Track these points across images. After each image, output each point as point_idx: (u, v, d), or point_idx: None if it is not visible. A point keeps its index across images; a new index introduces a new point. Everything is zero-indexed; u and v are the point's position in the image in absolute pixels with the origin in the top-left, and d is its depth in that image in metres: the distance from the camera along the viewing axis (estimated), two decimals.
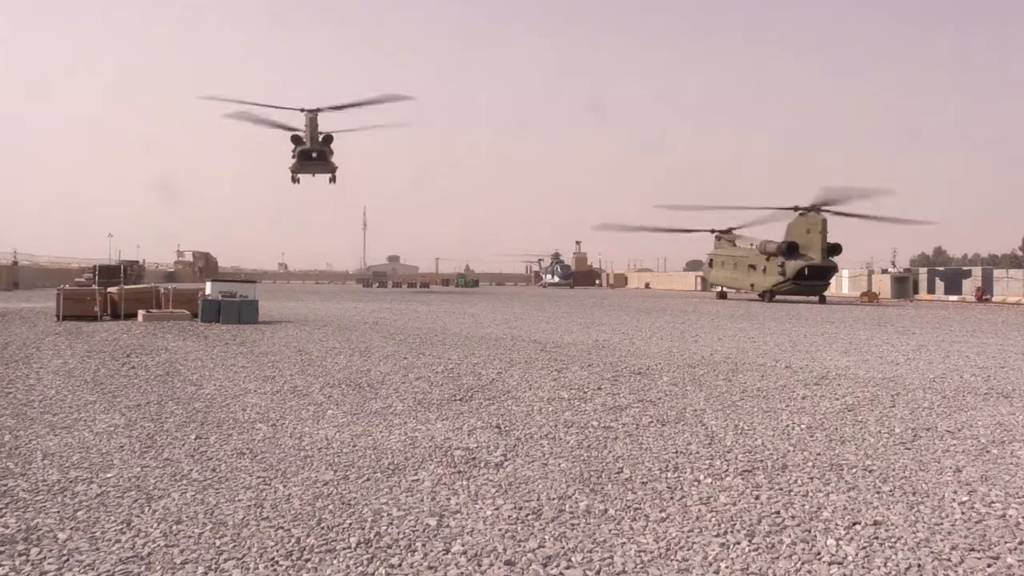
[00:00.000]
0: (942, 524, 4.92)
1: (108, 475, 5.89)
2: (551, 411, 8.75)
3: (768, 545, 4.54)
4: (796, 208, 47.60)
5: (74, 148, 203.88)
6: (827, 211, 46.23)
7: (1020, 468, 6.33)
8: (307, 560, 4.27)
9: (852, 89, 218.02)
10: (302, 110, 51.94)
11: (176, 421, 8.05)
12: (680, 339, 18.46)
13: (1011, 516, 5.08)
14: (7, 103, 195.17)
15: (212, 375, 11.47)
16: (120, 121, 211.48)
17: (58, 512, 5.01)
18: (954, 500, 5.42)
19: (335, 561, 4.26)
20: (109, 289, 24.72)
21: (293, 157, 53.34)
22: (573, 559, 4.31)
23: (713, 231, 56.12)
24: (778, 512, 5.13)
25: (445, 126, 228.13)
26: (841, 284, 61.68)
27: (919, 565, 4.25)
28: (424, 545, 4.50)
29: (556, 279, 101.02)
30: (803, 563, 4.28)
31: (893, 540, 4.62)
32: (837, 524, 4.90)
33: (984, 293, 53.04)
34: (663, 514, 5.08)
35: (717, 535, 4.70)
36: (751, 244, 52.16)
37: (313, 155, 52.70)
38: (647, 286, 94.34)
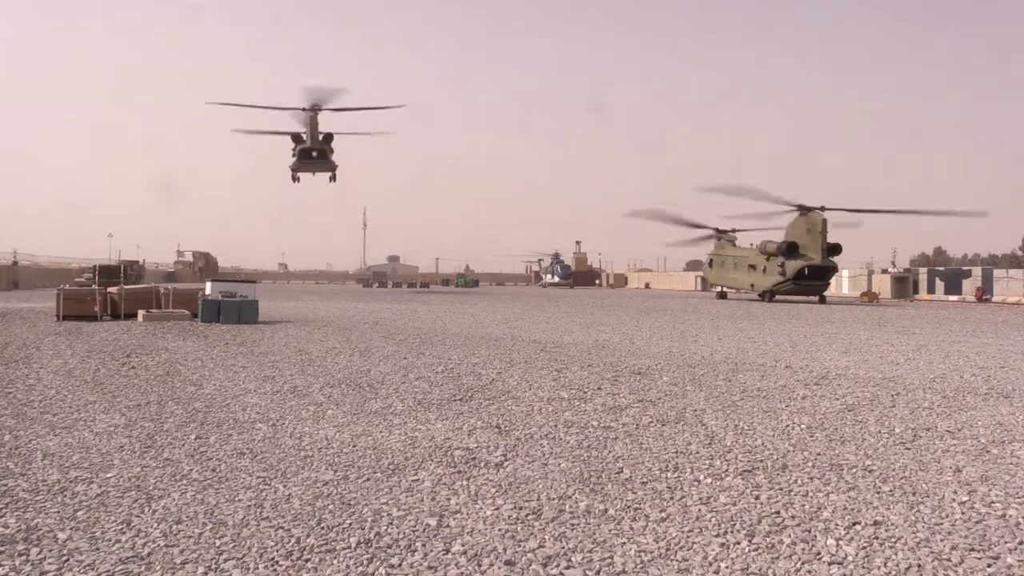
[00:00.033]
0: (942, 524, 4.92)
1: (108, 475, 5.89)
2: (551, 411, 8.75)
3: (768, 545, 4.54)
4: (797, 208, 47.61)
5: (74, 148, 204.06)
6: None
7: (1020, 468, 6.33)
8: (307, 560, 4.27)
9: (852, 89, 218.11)
10: (303, 109, 51.99)
11: (176, 421, 8.05)
12: (680, 339, 18.46)
13: (1011, 516, 5.08)
14: (7, 103, 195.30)
15: (212, 375, 11.47)
16: (120, 121, 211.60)
17: (58, 512, 5.01)
18: (954, 500, 5.42)
19: (335, 561, 4.26)
20: (109, 289, 24.73)
21: (293, 156, 53.40)
22: (573, 559, 4.31)
23: (714, 231, 56.13)
24: (778, 512, 5.13)
25: (445, 126, 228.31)
26: (841, 284, 61.68)
27: (919, 565, 4.25)
28: (424, 545, 4.50)
29: (556, 279, 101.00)
30: (803, 563, 4.28)
31: (893, 540, 4.62)
32: (837, 524, 4.90)
33: (984, 293, 53.04)
34: (663, 514, 5.08)
35: (717, 535, 4.70)
36: (751, 244, 52.24)
37: (313, 154, 52.75)
38: (647, 286, 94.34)
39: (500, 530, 4.75)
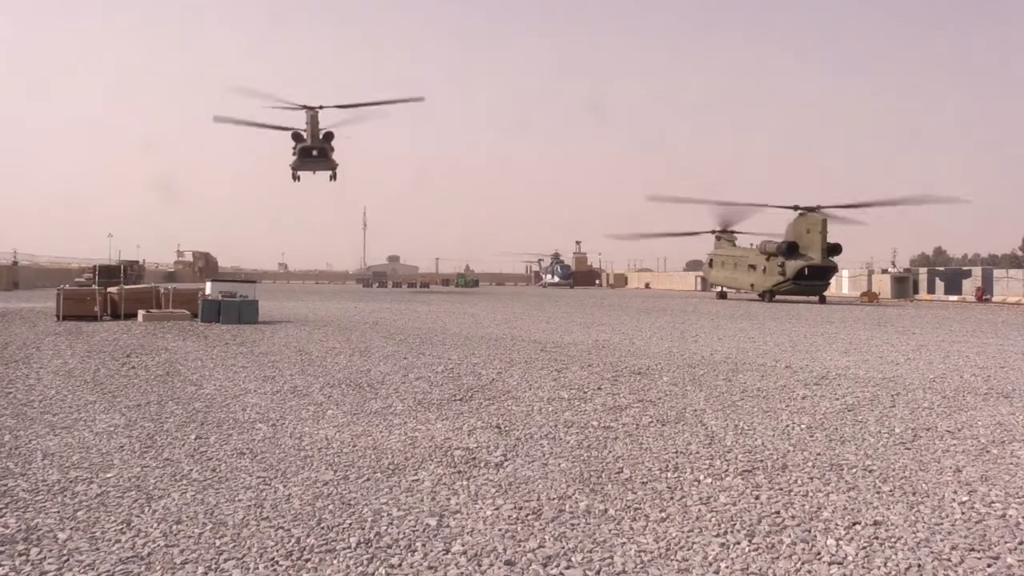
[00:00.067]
0: (942, 524, 4.92)
1: (108, 475, 5.89)
2: (551, 411, 8.75)
3: (768, 545, 4.54)
4: (796, 208, 47.63)
5: (74, 148, 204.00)
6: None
7: (1020, 468, 6.33)
8: (307, 560, 4.27)
9: (852, 89, 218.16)
10: (304, 107, 51.98)
11: (176, 421, 8.05)
12: (680, 339, 18.46)
13: (1011, 516, 5.08)
14: (7, 103, 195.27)
15: (212, 375, 11.48)
16: (120, 121, 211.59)
17: (58, 512, 5.01)
18: (954, 500, 5.42)
19: (335, 561, 4.26)
20: (109, 289, 24.73)
21: (294, 154, 53.38)
22: (573, 559, 4.31)
23: (714, 231, 56.14)
24: (778, 512, 5.13)
25: (445, 126, 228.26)
26: (841, 284, 61.69)
27: (919, 565, 4.25)
28: (424, 545, 4.50)
29: (556, 279, 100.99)
30: (803, 563, 4.28)
31: (893, 540, 4.62)
32: (837, 524, 4.90)
33: (984, 293, 53.05)
34: (663, 514, 5.08)
35: (717, 535, 4.70)
36: (751, 244, 52.23)
37: (314, 152, 52.73)
38: (647, 286, 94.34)
39: (500, 530, 4.75)
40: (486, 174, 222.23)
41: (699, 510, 5.17)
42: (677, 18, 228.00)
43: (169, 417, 8.26)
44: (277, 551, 4.38)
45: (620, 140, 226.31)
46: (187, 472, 6.01)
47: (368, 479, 5.87)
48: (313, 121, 52.21)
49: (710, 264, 56.59)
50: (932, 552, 4.44)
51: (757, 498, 5.44)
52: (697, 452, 6.81)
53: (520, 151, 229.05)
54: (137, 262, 77.13)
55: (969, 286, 54.96)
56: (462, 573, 4.11)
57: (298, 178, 54.97)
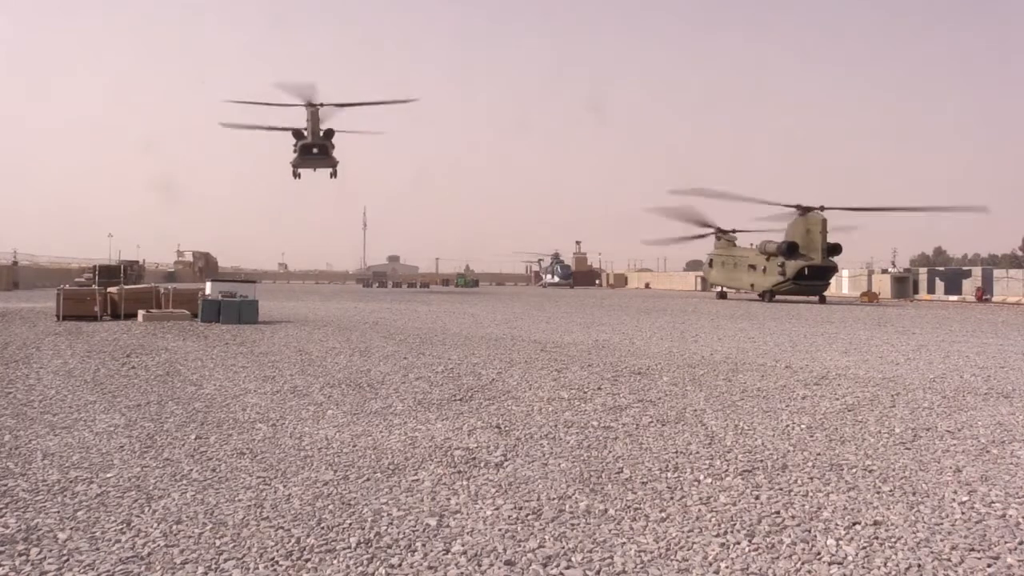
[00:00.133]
0: (942, 524, 4.92)
1: (108, 475, 5.89)
2: (551, 411, 8.75)
3: (768, 545, 4.54)
4: (797, 207, 47.62)
5: (74, 148, 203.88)
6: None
7: (1020, 468, 6.33)
8: (307, 560, 4.27)
9: (852, 89, 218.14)
10: (305, 105, 52.00)
11: (176, 421, 8.05)
12: (680, 339, 18.46)
13: (1011, 516, 5.08)
14: (7, 103, 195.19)
15: (212, 375, 11.48)
16: (120, 121, 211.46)
17: (58, 512, 5.01)
18: (954, 500, 5.42)
19: (335, 561, 4.26)
20: (109, 289, 24.73)
21: (294, 151, 53.39)
22: (573, 559, 4.31)
23: (714, 231, 56.13)
24: (778, 512, 5.13)
25: (445, 126, 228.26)
26: (841, 284, 61.69)
27: (919, 565, 4.25)
28: (424, 545, 4.50)
29: (556, 279, 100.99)
30: (803, 563, 4.28)
31: (893, 540, 4.62)
32: (837, 524, 4.90)
33: (984, 293, 53.05)
34: (663, 514, 5.08)
35: (717, 535, 4.70)
36: (751, 244, 52.24)
37: (314, 150, 52.75)
38: (647, 286, 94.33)
39: (500, 530, 4.75)
40: (486, 174, 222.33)
41: (699, 510, 5.18)
42: (677, 18, 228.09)
43: (169, 417, 8.26)
44: (277, 551, 4.38)
45: (620, 140, 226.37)
46: (187, 472, 6.01)
47: (368, 479, 5.87)
48: (314, 118, 52.23)
49: (710, 264, 56.58)
50: (932, 552, 4.44)
51: (757, 498, 5.44)
52: (697, 452, 6.81)
53: (520, 151, 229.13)
54: (137, 262, 77.14)
55: (969, 286, 54.96)
56: (462, 573, 4.11)
57: (299, 175, 55.00)
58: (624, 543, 4.56)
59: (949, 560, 4.33)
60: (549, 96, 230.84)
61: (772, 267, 47.02)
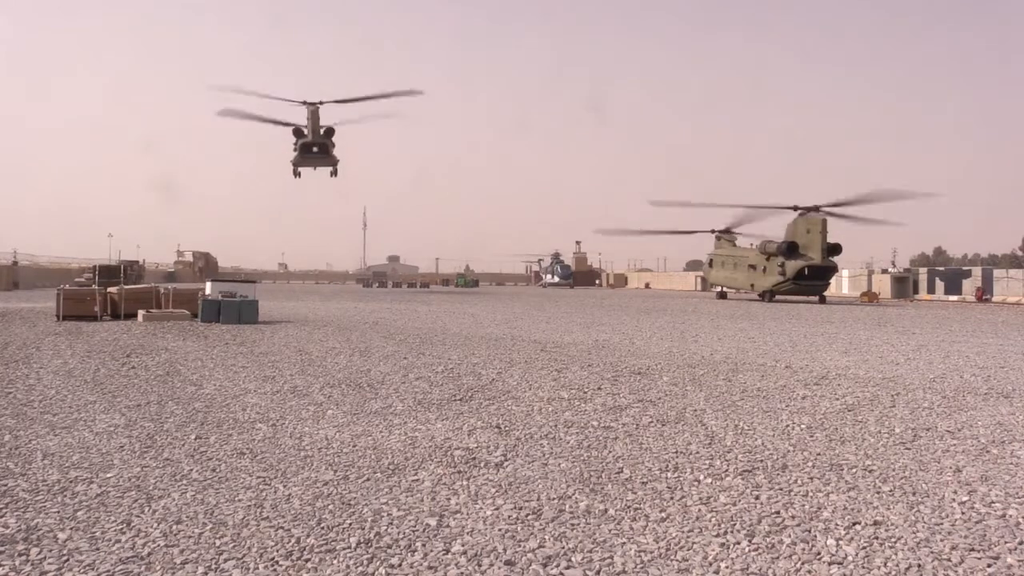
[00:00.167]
0: (942, 524, 4.92)
1: (108, 475, 5.89)
2: (551, 411, 8.75)
3: (768, 545, 4.54)
4: (796, 208, 47.62)
5: (74, 148, 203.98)
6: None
7: (1020, 468, 6.33)
8: (307, 560, 4.27)
9: (852, 89, 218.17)
10: (304, 103, 51.98)
11: (176, 421, 8.05)
12: (680, 339, 18.46)
13: (1011, 516, 5.08)
14: (7, 103, 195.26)
15: (212, 375, 11.48)
16: (120, 121, 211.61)
17: (58, 512, 5.01)
18: (954, 500, 5.42)
19: (335, 561, 4.26)
20: (109, 289, 24.72)
21: (295, 150, 53.36)
22: (573, 559, 4.31)
23: (713, 231, 56.15)
24: (778, 512, 5.13)
25: (445, 126, 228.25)
26: (841, 284, 61.69)
27: (919, 565, 4.25)
28: (424, 545, 4.50)
29: (556, 279, 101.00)
30: (803, 563, 4.28)
31: (893, 540, 4.62)
32: (837, 524, 4.90)
33: (984, 293, 53.05)
34: (663, 514, 5.08)
35: (717, 535, 4.70)
36: (751, 244, 52.23)
37: (314, 148, 52.71)
38: (647, 286, 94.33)
39: (500, 530, 4.75)
40: (486, 174, 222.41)
41: (699, 510, 5.18)
42: (677, 18, 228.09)
43: (169, 417, 8.26)
44: (277, 551, 4.38)
45: (620, 140, 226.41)
46: (187, 472, 6.01)
47: (368, 479, 5.87)
48: (314, 116, 52.20)
49: (710, 264, 56.60)
50: (932, 552, 4.44)
51: (757, 498, 5.44)
52: (697, 452, 6.81)
53: (520, 151, 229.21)
54: (137, 262, 77.14)
55: (969, 286, 54.96)
56: (462, 573, 4.11)
57: (299, 174, 54.98)
58: (624, 543, 4.56)
59: (949, 560, 4.33)
60: (549, 96, 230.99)
61: (772, 267, 47.02)
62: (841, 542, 4.59)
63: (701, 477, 6.00)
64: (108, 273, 48.27)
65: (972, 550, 4.47)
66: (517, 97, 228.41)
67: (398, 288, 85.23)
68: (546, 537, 4.64)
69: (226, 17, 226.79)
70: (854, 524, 4.90)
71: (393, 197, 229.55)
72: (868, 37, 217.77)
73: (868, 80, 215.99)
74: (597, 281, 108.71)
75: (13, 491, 5.47)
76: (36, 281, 62.15)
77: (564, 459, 6.52)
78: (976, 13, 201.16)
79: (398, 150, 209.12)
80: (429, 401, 9.33)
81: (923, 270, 62.41)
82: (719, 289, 54.82)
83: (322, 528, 4.77)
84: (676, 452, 6.80)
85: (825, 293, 47.74)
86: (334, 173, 54.96)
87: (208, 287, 24.67)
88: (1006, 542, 4.60)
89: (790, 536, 4.69)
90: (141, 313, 22.27)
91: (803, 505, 5.29)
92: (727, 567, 4.21)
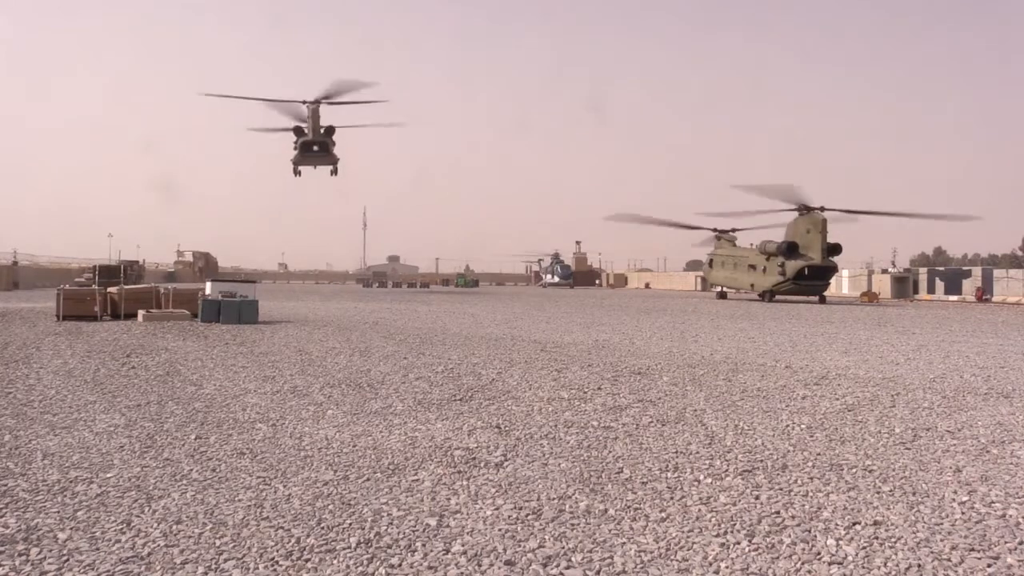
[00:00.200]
0: (942, 524, 4.92)
1: (108, 475, 5.89)
2: (551, 411, 8.75)
3: (768, 545, 4.54)
4: (796, 208, 47.63)
5: (74, 148, 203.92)
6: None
7: (1020, 468, 6.33)
8: (307, 560, 4.27)
9: (852, 89, 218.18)
10: (304, 102, 52.01)
11: (176, 421, 8.05)
12: (680, 339, 18.46)
13: (1011, 516, 5.08)
14: (7, 103, 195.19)
15: (212, 375, 11.48)
16: (120, 121, 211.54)
17: (58, 512, 5.01)
18: (954, 500, 5.42)
19: (335, 561, 4.26)
20: (109, 289, 24.72)
21: (295, 148, 53.39)
22: (573, 559, 4.31)
23: (715, 230, 56.14)
24: (778, 512, 5.13)
25: (445, 126, 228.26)
26: (841, 284, 61.69)
27: (919, 565, 4.25)
28: (424, 545, 4.50)
29: (556, 279, 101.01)
30: (803, 563, 4.28)
31: (893, 540, 4.62)
32: (837, 524, 4.90)
33: (984, 293, 53.04)
34: (663, 514, 5.08)
35: (717, 535, 4.70)
36: (751, 244, 52.24)
37: (315, 147, 52.76)
38: (647, 286, 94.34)
39: (500, 530, 4.75)
40: (486, 174, 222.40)
41: (699, 510, 5.17)
42: (677, 18, 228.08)
43: (169, 417, 8.26)
44: (277, 551, 4.38)
45: (620, 140, 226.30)
46: (187, 472, 6.01)
47: (368, 479, 5.87)
48: (314, 115, 52.22)
49: (710, 264, 56.58)
50: (932, 552, 4.44)
51: (757, 498, 5.44)
52: (697, 452, 6.81)
53: (520, 151, 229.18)
54: (137, 262, 77.15)
55: (969, 286, 54.95)
56: (462, 573, 4.11)
57: (299, 173, 55.01)
58: (624, 543, 4.56)
59: (949, 560, 4.33)
60: (549, 96, 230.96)
61: (772, 267, 47.02)
62: (841, 542, 4.59)
63: (701, 477, 6.00)
64: (108, 273, 48.27)
65: (972, 550, 4.47)
66: (517, 97, 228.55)
67: (398, 288, 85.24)
68: (546, 537, 4.64)
69: (226, 17, 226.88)
70: (854, 524, 4.90)
71: (393, 197, 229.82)
72: (868, 37, 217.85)
73: (868, 80, 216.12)
74: (597, 281, 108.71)
75: (13, 491, 5.47)
76: (36, 281, 62.15)
77: (564, 459, 6.52)
78: (976, 13, 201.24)
79: (398, 150, 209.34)
80: (429, 401, 9.33)
81: (923, 270, 62.41)
82: (719, 289, 54.81)
83: (322, 528, 4.77)
84: (676, 452, 6.80)
85: (825, 293, 47.74)
86: (334, 172, 55.00)
87: (208, 287, 24.68)
88: (1006, 542, 4.60)
89: (790, 536, 4.69)
90: (141, 313, 22.28)
91: (803, 505, 5.29)
92: (727, 567, 4.21)
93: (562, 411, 8.74)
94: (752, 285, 49.56)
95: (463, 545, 4.50)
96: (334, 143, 53.40)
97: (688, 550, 4.46)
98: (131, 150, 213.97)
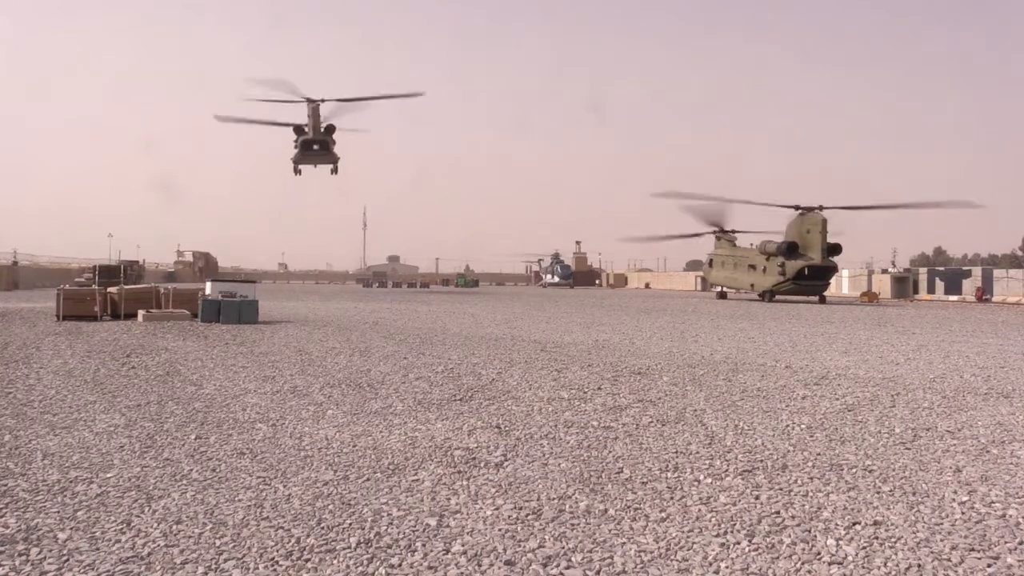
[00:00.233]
0: (942, 524, 4.92)
1: (108, 475, 5.89)
2: (551, 411, 8.75)
3: (768, 545, 4.54)
4: (797, 208, 47.63)
5: (74, 148, 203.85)
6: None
7: (1020, 468, 6.33)
8: (307, 560, 4.27)
9: (852, 89, 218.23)
10: (305, 100, 52.03)
11: (176, 421, 8.05)
12: (680, 339, 18.46)
13: (1011, 516, 5.08)
14: (7, 103, 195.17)
15: (212, 375, 11.47)
16: (120, 121, 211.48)
17: (58, 512, 5.01)
18: (954, 500, 5.42)
19: (335, 561, 4.26)
20: (109, 289, 24.72)
21: (295, 147, 53.40)
22: (573, 559, 4.31)
23: (716, 230, 56.13)
24: (778, 512, 5.13)
25: (445, 126, 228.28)
26: (841, 284, 61.69)
27: (919, 565, 4.25)
28: (424, 545, 4.50)
29: (556, 279, 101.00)
30: (803, 563, 4.28)
31: (893, 540, 4.62)
32: (837, 524, 4.90)
33: (984, 293, 53.05)
34: (663, 514, 5.08)
35: (717, 535, 4.70)
36: (751, 244, 52.24)
37: (315, 146, 52.79)
38: (647, 286, 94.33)
39: (500, 530, 4.75)
40: (486, 174, 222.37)
41: (699, 510, 5.18)
42: (677, 18, 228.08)
43: (169, 417, 8.26)
44: (277, 551, 4.38)
45: (620, 140, 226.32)
46: (187, 472, 6.01)
47: (368, 479, 5.87)
48: (315, 114, 52.25)
49: (710, 264, 56.59)
50: (932, 552, 4.44)
51: (757, 498, 5.44)
52: (697, 452, 6.81)
53: (520, 151, 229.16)
54: (137, 262, 77.15)
55: (969, 286, 54.96)
56: (462, 573, 4.11)
57: (299, 171, 55.03)
58: (624, 543, 4.56)
59: (949, 560, 4.33)
60: (549, 96, 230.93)
61: (772, 267, 47.03)
62: (841, 542, 4.59)
63: (701, 477, 6.00)
64: (108, 273, 48.28)
65: (972, 550, 4.47)
66: (517, 97, 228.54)
67: (398, 288, 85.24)
68: (546, 537, 4.64)
69: (226, 17, 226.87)
70: (854, 524, 4.90)
71: (393, 197, 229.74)
72: (868, 37, 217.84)
73: (868, 80, 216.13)
74: (597, 281, 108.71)
75: (13, 491, 5.47)
76: (36, 281, 62.14)
77: (564, 459, 6.52)
78: (976, 13, 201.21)
79: (398, 150, 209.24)
80: (429, 401, 9.33)
81: (923, 270, 62.41)
82: (719, 289, 54.82)
83: (322, 528, 4.77)
84: (676, 452, 6.80)
85: (825, 293, 47.75)
86: (334, 171, 55.01)
87: (208, 287, 24.67)
88: (1006, 542, 4.60)
89: (790, 536, 4.69)
90: (141, 313, 22.27)
91: (803, 505, 5.29)
92: (727, 567, 4.21)
93: (562, 411, 8.74)
94: (752, 285, 49.57)
95: (463, 545, 4.50)
96: (334, 142, 53.44)
97: (688, 550, 4.46)
98: (131, 150, 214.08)
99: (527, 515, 5.04)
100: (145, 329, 19.57)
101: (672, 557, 4.35)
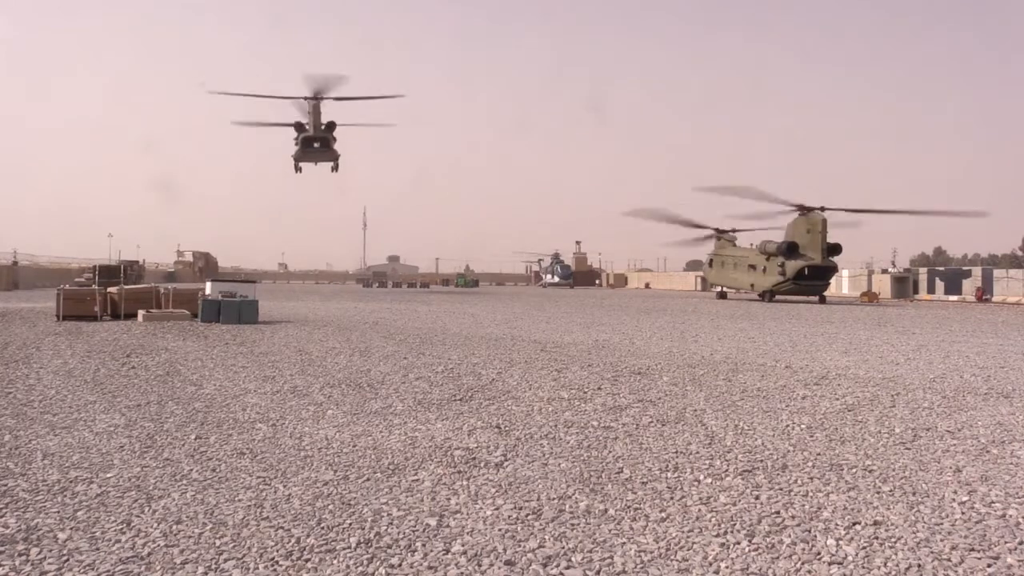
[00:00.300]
0: (942, 524, 4.92)
1: (108, 475, 5.89)
2: (551, 411, 8.75)
3: (768, 545, 4.54)
4: (798, 208, 47.62)
5: (74, 148, 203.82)
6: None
7: (1020, 468, 6.33)
8: (307, 560, 4.27)
9: (852, 89, 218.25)
10: (306, 98, 52.06)
11: (176, 421, 8.05)
12: (680, 339, 18.46)
13: (1011, 516, 5.08)
14: (7, 103, 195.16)
15: (212, 375, 11.47)
16: (120, 121, 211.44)
17: (58, 512, 5.01)
18: (954, 500, 5.42)
19: (335, 561, 4.26)
20: (109, 289, 24.72)
21: (296, 144, 53.40)
22: (573, 559, 4.31)
23: (716, 230, 56.15)
24: (778, 512, 5.13)
25: (445, 126, 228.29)
26: (841, 284, 61.69)
27: (919, 565, 4.25)
28: (424, 545, 4.50)
29: (556, 279, 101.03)
30: (803, 563, 4.28)
31: (893, 540, 4.62)
32: (837, 524, 4.90)
33: (984, 293, 53.05)
34: (663, 514, 5.08)
35: (717, 535, 4.70)
36: (751, 244, 52.25)
37: (316, 144, 52.81)
38: (647, 286, 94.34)
39: (500, 530, 4.75)
40: (486, 174, 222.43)
41: (699, 510, 5.18)
42: (677, 18, 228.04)
43: (169, 417, 8.26)
44: (277, 551, 4.38)
45: (620, 140, 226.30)
46: (187, 472, 6.01)
47: (368, 479, 5.87)
48: (315, 111, 52.25)
49: (710, 264, 56.60)
50: (932, 552, 4.44)
51: (757, 498, 5.44)
52: (697, 452, 6.81)
53: (520, 151, 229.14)
54: (137, 262, 77.17)
55: (969, 286, 54.97)
56: (462, 573, 4.11)
57: (300, 169, 55.05)
58: (624, 543, 4.56)
59: (949, 560, 4.33)
60: (549, 96, 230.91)
61: (772, 267, 47.02)
62: (841, 542, 4.59)
63: (701, 477, 6.00)
64: (108, 273, 48.29)
65: (972, 550, 4.47)
66: (517, 97, 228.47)
67: (398, 288, 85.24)
68: (546, 537, 4.64)
69: (226, 17, 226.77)
70: (854, 524, 4.90)
71: (393, 197, 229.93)
72: (868, 37, 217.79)
73: (868, 80, 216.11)
74: (597, 281, 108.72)
75: (13, 491, 5.47)
76: (36, 281, 62.13)
77: (564, 459, 6.52)
78: (976, 13, 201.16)
79: (398, 150, 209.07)
80: (429, 401, 9.33)
81: (923, 270, 62.42)
82: (719, 289, 54.82)
83: (322, 528, 4.77)
84: (676, 452, 6.80)
85: (825, 293, 47.75)
86: (335, 168, 55.02)
87: (208, 287, 24.67)
88: (1006, 542, 4.60)
89: (790, 536, 4.69)
90: (141, 313, 22.27)
91: (803, 505, 5.29)
92: (727, 567, 4.21)
93: (562, 411, 8.74)
94: (752, 285, 49.57)
95: (463, 545, 4.50)
96: (335, 139, 53.45)
97: (688, 550, 4.46)
98: (131, 150, 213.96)
99: (527, 515, 5.04)
100: (145, 329, 19.57)
101: (672, 557, 4.35)
